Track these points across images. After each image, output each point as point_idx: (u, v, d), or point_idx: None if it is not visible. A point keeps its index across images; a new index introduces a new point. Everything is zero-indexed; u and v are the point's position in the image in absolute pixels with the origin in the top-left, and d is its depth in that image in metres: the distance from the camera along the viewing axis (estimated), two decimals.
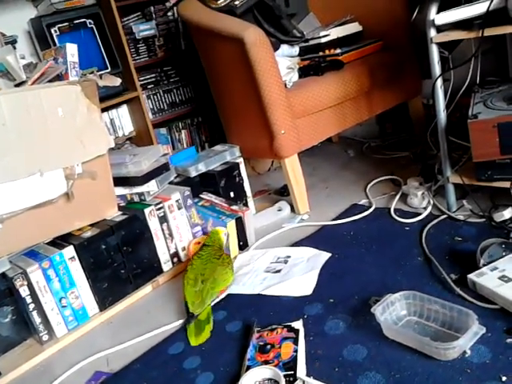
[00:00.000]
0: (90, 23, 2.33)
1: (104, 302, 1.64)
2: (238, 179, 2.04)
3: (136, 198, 1.77)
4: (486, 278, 1.31)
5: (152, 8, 2.65)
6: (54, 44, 2.21)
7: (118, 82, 1.61)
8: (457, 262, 1.46)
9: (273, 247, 1.84)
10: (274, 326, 1.33)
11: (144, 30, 2.58)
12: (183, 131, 2.84)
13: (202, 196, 1.98)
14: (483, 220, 1.65)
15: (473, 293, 1.30)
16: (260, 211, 2.16)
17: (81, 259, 1.57)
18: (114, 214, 1.68)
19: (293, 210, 2.10)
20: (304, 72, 2.15)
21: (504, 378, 1.02)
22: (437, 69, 1.61)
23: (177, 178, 1.94)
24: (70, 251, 1.55)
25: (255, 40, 1.78)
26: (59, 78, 1.49)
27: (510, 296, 1.20)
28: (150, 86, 2.70)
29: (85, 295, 1.60)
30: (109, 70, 2.36)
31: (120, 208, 1.72)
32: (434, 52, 1.59)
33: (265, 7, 2.26)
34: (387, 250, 1.63)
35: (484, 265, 1.37)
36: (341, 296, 1.44)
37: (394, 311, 1.26)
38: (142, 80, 2.65)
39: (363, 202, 2.05)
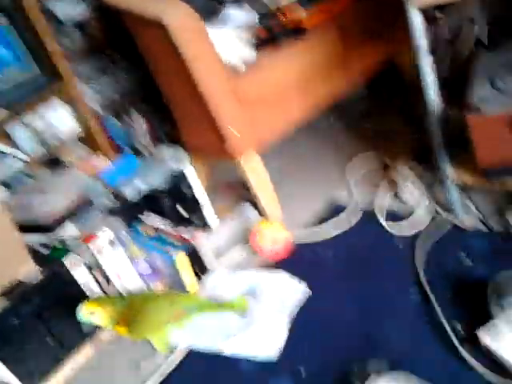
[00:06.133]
0: None
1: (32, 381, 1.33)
2: (187, 192, 1.65)
3: (57, 243, 1.42)
4: (502, 337, 0.96)
5: None
6: None
7: None
8: (464, 301, 1.12)
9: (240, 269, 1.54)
10: None
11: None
12: (142, 120, 2.42)
13: (143, 218, 1.59)
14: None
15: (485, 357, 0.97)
16: (221, 219, 1.78)
17: None
18: (30, 269, 1.34)
19: (260, 213, 1.72)
20: (262, 44, 1.72)
21: None
22: None
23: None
24: None
25: (179, 23, 1.36)
26: None
27: None
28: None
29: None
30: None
31: (40, 258, 1.38)
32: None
33: None
34: (374, 283, 1.28)
35: (497, 309, 1.02)
36: (314, 362, 1.12)
37: None
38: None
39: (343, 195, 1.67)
